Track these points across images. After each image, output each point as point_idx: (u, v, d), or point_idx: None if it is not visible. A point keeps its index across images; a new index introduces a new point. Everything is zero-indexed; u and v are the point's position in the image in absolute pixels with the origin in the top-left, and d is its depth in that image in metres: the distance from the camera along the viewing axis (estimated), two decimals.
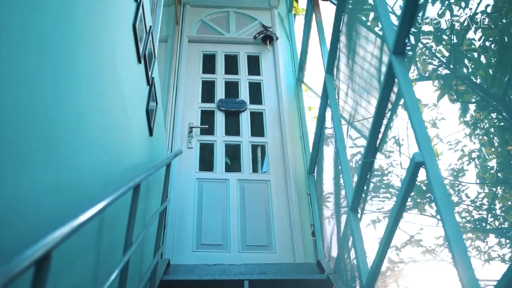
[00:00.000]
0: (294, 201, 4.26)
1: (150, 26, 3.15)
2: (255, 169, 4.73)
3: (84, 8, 1.88)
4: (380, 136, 2.55)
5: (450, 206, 1.77)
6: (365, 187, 2.80)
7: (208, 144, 4.68)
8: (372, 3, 2.70)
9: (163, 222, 3.24)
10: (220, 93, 5.03)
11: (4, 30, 1.20)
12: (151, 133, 3.25)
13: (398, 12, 2.92)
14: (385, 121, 2.48)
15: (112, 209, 2.08)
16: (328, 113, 3.92)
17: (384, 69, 3.19)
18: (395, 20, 2.68)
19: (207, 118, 4.92)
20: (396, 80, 2.27)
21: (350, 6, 3.31)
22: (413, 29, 2.25)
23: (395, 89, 2.45)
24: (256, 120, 4.94)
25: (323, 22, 4.59)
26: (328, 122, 4.03)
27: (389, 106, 2.58)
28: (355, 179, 3.67)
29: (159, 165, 2.77)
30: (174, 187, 4.20)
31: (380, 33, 2.63)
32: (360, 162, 2.87)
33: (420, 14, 2.11)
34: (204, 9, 5.82)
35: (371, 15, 3.12)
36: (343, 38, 3.59)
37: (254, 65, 5.38)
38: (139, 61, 2.85)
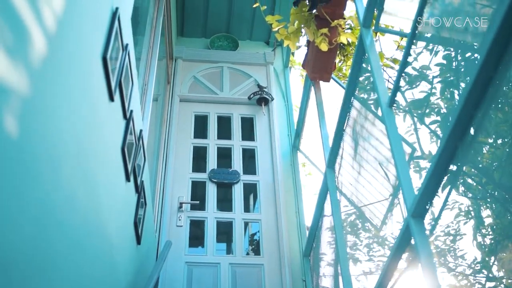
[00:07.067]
0: None
1: (141, 130, 2.90)
2: (248, 251, 4.49)
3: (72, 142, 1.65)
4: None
5: None
6: None
7: (198, 221, 4.43)
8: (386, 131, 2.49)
9: None
10: (212, 161, 4.78)
11: None
12: (138, 242, 3.01)
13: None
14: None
15: None
16: (327, 205, 3.71)
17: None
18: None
19: (198, 189, 4.67)
20: (411, 240, 2.06)
21: (359, 100, 3.09)
22: None
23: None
24: (249, 192, 4.71)
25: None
26: (327, 211, 3.83)
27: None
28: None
29: None
30: (161, 274, 3.94)
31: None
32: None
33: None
34: (197, 64, 5.57)
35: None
36: (348, 131, 3.39)
37: (248, 128, 5.15)
38: (128, 180, 2.61)
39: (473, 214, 2.05)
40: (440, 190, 2.10)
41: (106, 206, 2.23)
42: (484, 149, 1.86)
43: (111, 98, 2.15)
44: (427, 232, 1.99)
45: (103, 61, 2.00)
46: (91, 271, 2.07)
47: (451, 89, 2.37)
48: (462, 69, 2.24)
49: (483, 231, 2.00)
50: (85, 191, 1.90)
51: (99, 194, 2.10)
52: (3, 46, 1.15)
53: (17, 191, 1.27)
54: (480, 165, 1.90)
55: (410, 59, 2.26)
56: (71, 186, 1.71)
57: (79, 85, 1.75)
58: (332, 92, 4.48)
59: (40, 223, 1.44)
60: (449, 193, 1.95)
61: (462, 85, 2.20)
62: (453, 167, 1.82)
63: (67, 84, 1.63)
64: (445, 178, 1.92)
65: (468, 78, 1.78)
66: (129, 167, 2.58)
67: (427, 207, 1.96)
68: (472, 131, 1.68)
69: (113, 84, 2.12)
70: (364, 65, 3.02)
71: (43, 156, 1.44)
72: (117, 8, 2.17)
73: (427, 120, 2.54)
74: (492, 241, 1.93)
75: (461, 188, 2.41)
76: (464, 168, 1.84)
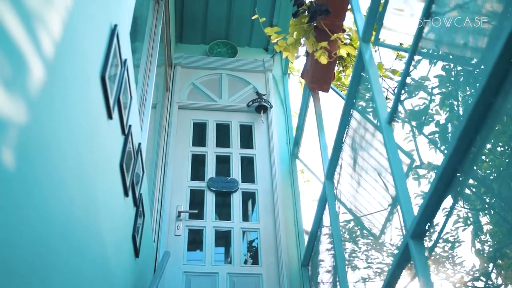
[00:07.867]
0: None
1: (139, 144, 2.89)
2: (246, 260, 4.49)
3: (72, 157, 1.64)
4: None
5: None
6: None
7: (197, 230, 4.42)
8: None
9: None
10: (210, 169, 4.77)
11: None
12: (137, 255, 3.00)
13: None
14: None
15: None
16: (326, 215, 3.71)
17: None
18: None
19: (196, 198, 4.66)
20: (411, 262, 2.06)
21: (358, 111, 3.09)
22: None
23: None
24: (248, 201, 4.70)
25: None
26: (326, 222, 3.82)
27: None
28: None
29: None
30: (159, 284, 3.93)
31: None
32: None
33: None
34: (196, 71, 5.56)
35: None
36: (348, 141, 3.38)
37: (247, 136, 5.14)
38: (126, 195, 2.60)
39: (472, 220, 2.05)
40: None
41: (105, 222, 2.21)
42: (483, 157, 1.86)
43: (110, 116, 2.14)
44: (427, 251, 1.98)
45: (102, 80, 1.99)
46: (89, 283, 2.05)
47: (450, 101, 2.37)
48: (461, 79, 2.24)
49: (482, 237, 2.00)
50: (84, 207, 1.88)
51: (97, 209, 2.09)
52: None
53: (19, 205, 1.26)
54: (480, 171, 1.90)
55: (410, 68, 2.25)
56: (70, 201, 1.70)
57: (77, 105, 1.74)
58: (330, 100, 4.48)
59: (40, 237, 1.43)
60: (449, 214, 1.95)
61: (461, 94, 2.20)
62: (453, 180, 1.81)
63: (66, 105, 1.62)
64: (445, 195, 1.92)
65: (470, 100, 1.78)
66: (128, 182, 2.57)
67: (427, 227, 1.96)
68: (472, 156, 1.67)
69: (111, 102, 2.11)
70: (363, 74, 3.02)
71: (44, 171, 1.43)
72: (115, 25, 2.16)
73: (426, 129, 2.53)
74: (491, 249, 1.93)
75: (460, 197, 2.41)
76: (464, 183, 1.84)
